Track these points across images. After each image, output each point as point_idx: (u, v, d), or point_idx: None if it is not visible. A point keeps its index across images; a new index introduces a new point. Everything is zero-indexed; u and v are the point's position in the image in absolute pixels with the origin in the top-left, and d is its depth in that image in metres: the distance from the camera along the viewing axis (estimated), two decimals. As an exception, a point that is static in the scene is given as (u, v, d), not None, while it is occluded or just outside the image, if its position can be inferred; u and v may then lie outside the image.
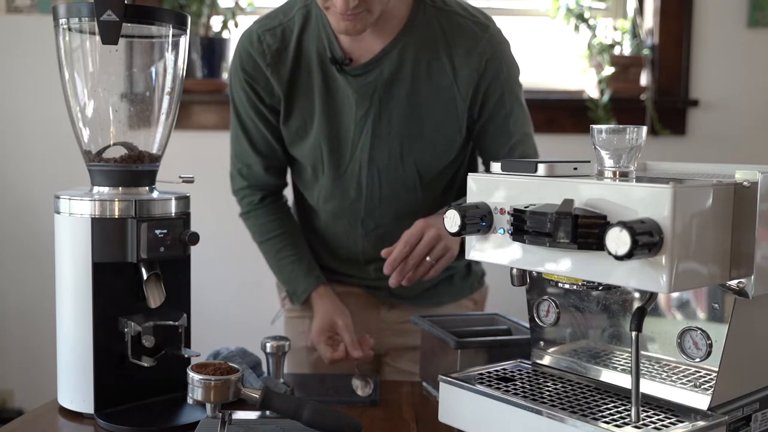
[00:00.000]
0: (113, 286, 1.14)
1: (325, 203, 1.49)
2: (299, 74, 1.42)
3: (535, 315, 1.10)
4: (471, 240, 0.96)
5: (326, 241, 1.55)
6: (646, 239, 0.75)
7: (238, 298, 2.62)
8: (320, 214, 1.52)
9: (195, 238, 1.17)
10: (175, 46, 1.20)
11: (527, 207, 0.86)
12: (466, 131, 1.44)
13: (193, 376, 0.98)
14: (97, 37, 1.10)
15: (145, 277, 1.13)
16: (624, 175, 0.88)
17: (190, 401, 0.99)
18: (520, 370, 1.08)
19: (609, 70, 2.57)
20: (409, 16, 1.38)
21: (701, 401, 0.90)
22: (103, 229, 1.11)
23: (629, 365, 0.99)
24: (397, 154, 1.42)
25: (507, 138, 1.44)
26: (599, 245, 0.78)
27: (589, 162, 0.93)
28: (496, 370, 1.07)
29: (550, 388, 0.99)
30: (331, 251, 1.56)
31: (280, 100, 1.43)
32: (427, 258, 1.31)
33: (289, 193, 1.61)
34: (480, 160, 1.55)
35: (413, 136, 1.41)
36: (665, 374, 0.95)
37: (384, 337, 1.58)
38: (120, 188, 1.16)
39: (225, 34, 2.64)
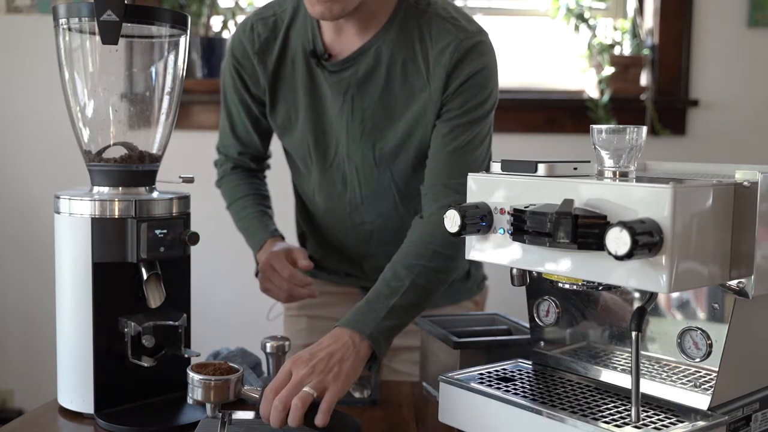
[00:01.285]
0: (113, 286, 1.14)
1: (317, 195, 1.50)
2: (284, 66, 1.42)
3: (535, 315, 1.10)
4: (471, 240, 0.96)
5: (323, 235, 1.56)
6: (646, 239, 0.75)
7: (238, 298, 2.62)
8: (316, 207, 1.53)
9: (195, 238, 1.17)
10: (175, 46, 1.20)
11: (527, 207, 0.86)
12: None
13: (193, 376, 0.98)
14: (97, 37, 1.10)
15: (145, 277, 1.13)
16: (624, 175, 0.88)
17: (190, 401, 0.99)
18: (520, 370, 1.08)
19: (609, 70, 2.57)
20: (390, 16, 1.37)
21: (701, 401, 0.90)
22: (103, 229, 1.11)
23: (629, 365, 0.99)
24: (370, 156, 1.40)
25: (449, 147, 1.33)
26: (599, 245, 0.78)
27: (589, 162, 0.93)
28: (496, 370, 1.07)
29: (550, 388, 0.99)
30: (327, 246, 1.56)
31: (266, 91, 1.44)
32: (305, 389, 1.05)
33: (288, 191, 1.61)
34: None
35: (386, 138, 1.39)
36: (665, 374, 0.95)
37: None
38: (120, 188, 1.16)
39: (225, 34, 2.64)
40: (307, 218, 1.58)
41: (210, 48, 2.61)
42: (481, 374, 1.05)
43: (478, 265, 1.62)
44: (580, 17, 2.59)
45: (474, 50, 1.33)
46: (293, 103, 1.43)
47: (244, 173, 1.58)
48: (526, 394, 0.97)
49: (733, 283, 0.86)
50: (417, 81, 1.35)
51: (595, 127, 0.89)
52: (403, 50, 1.36)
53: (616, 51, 2.63)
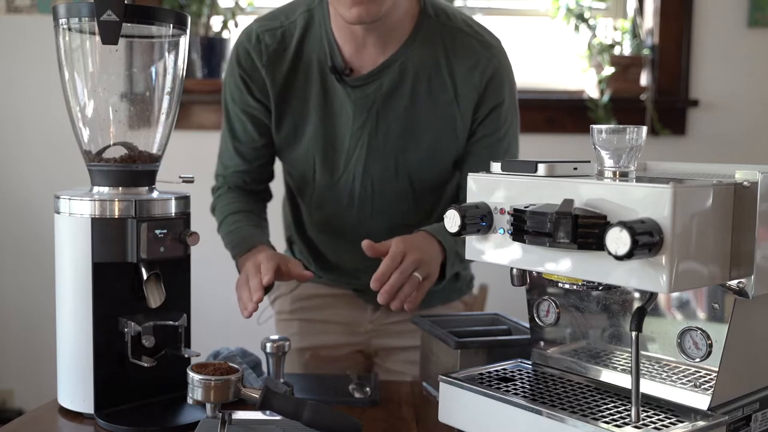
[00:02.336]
0: (113, 286, 1.14)
1: (316, 210, 1.48)
2: (295, 79, 1.40)
3: (535, 315, 1.10)
4: (471, 240, 0.96)
5: (315, 245, 1.54)
6: (646, 239, 0.75)
7: (238, 298, 2.62)
8: (312, 221, 1.51)
9: (195, 238, 1.17)
10: (175, 46, 1.20)
11: (527, 207, 0.86)
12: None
13: (193, 376, 0.98)
14: (97, 37, 1.10)
15: (145, 277, 1.13)
16: (624, 175, 0.88)
17: (190, 401, 0.99)
18: (520, 370, 1.08)
19: (609, 70, 2.57)
20: (412, 30, 1.37)
21: (701, 401, 0.90)
22: (103, 229, 1.11)
23: (629, 365, 0.99)
24: (392, 168, 1.40)
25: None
26: (599, 245, 0.78)
27: (589, 162, 0.93)
28: (496, 370, 1.07)
29: (550, 388, 0.99)
30: (319, 256, 1.55)
31: (272, 103, 1.42)
32: (415, 273, 1.22)
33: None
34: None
35: (409, 151, 1.39)
36: (665, 374, 0.95)
37: (372, 338, 1.58)
38: (120, 188, 1.16)
39: (225, 34, 2.64)
40: (300, 228, 1.56)
41: (210, 48, 2.61)
42: (481, 374, 1.05)
43: (466, 265, 1.62)
44: (580, 17, 2.59)
45: (500, 70, 1.39)
46: (301, 116, 1.41)
47: (243, 192, 1.51)
48: (526, 394, 0.97)
49: (733, 283, 0.86)
50: (443, 96, 1.37)
51: (595, 127, 0.89)
52: (427, 65, 1.37)
53: (616, 51, 2.63)
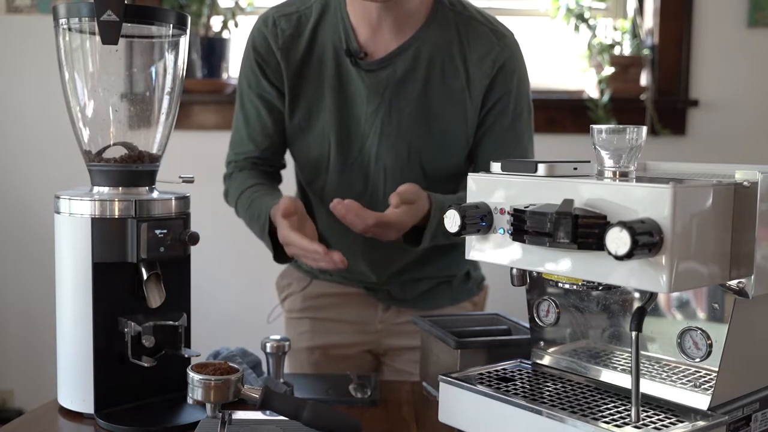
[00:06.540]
0: (113, 286, 1.14)
1: (328, 200, 1.49)
2: (310, 63, 1.41)
3: (535, 315, 1.10)
4: (471, 240, 0.96)
5: (326, 240, 1.55)
6: (646, 239, 0.75)
7: (238, 298, 2.62)
8: (323, 213, 1.52)
9: (195, 238, 1.17)
10: (175, 46, 1.21)
11: (527, 207, 0.86)
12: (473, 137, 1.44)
13: (193, 376, 0.98)
14: (97, 37, 1.10)
15: (145, 277, 1.13)
16: (624, 175, 0.88)
17: (190, 401, 0.99)
18: (520, 370, 1.08)
19: (609, 70, 2.57)
20: (427, 16, 1.39)
21: (701, 401, 0.90)
22: (103, 229, 1.11)
23: (629, 365, 0.99)
24: (404, 154, 1.41)
25: (503, 154, 1.41)
26: (599, 245, 0.78)
27: (589, 162, 0.93)
28: (496, 370, 1.07)
29: (550, 388, 0.99)
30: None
31: (286, 88, 1.43)
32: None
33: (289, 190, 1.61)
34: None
35: (422, 138, 1.40)
36: (665, 374, 0.95)
37: (382, 337, 1.58)
38: (120, 188, 1.16)
39: (225, 34, 2.64)
40: (312, 219, 1.57)
41: (210, 48, 2.61)
42: (481, 374, 1.05)
43: (477, 265, 1.62)
44: (580, 17, 2.59)
45: (512, 59, 1.40)
46: (316, 102, 1.42)
47: (254, 171, 1.51)
48: (526, 394, 0.97)
49: (733, 283, 0.86)
50: (455, 83, 1.38)
51: (595, 127, 0.89)
52: (441, 51, 1.38)
53: (616, 51, 2.63)
